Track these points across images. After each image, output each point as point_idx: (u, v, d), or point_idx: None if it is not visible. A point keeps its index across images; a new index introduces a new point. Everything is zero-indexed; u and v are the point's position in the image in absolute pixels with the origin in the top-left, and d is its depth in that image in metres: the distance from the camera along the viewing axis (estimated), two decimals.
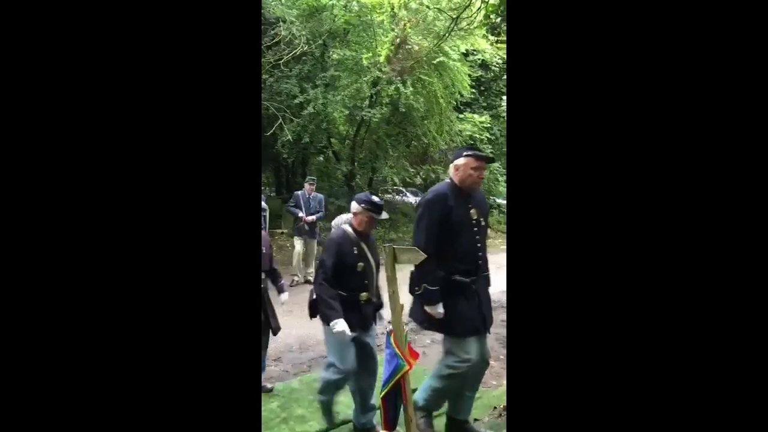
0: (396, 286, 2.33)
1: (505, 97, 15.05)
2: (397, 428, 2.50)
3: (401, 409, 2.43)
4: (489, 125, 14.77)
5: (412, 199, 15.20)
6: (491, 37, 11.55)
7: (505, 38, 8.08)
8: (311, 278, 6.63)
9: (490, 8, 6.80)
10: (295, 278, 7.36)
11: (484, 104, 15.48)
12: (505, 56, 14.28)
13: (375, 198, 2.90)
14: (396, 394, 2.38)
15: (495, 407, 3.14)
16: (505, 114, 14.98)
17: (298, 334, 4.93)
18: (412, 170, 14.32)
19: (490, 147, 16.06)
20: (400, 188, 14.96)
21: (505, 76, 15.50)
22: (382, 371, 2.45)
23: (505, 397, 3.23)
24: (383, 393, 2.39)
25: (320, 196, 7.54)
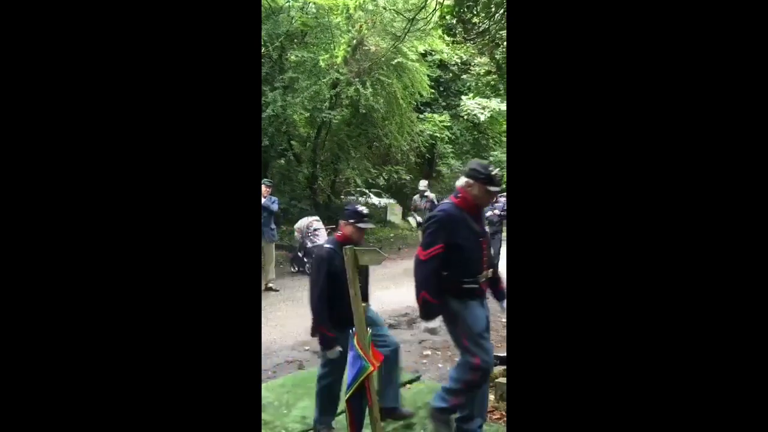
0: (357, 287, 2.33)
1: (464, 97, 15.27)
2: (363, 431, 2.49)
3: (366, 411, 2.42)
4: (449, 124, 14.95)
5: (375, 200, 15.20)
6: (447, 38, 11.69)
7: (460, 39, 8.17)
8: (272, 285, 6.53)
9: (445, 9, 6.90)
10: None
11: (444, 104, 15.65)
12: (462, 56, 14.49)
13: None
14: (361, 396, 2.37)
15: None
16: (464, 113, 15.20)
17: (263, 340, 4.86)
18: (375, 171, 14.35)
19: (450, 146, 16.26)
20: (364, 189, 14.96)
21: (463, 76, 15.73)
22: (346, 375, 2.44)
23: None
24: (348, 395, 2.38)
25: (274, 198, 7.47)
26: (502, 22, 7.93)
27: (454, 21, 7.43)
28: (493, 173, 2.56)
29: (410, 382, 3.66)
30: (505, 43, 8.59)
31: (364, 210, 2.96)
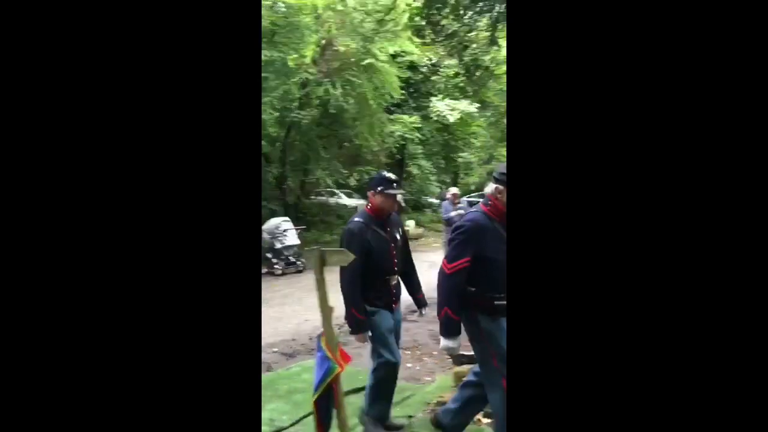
0: (325, 289, 2.32)
1: (434, 98, 15.39)
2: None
3: (333, 413, 2.41)
4: (419, 125, 15.04)
5: (346, 201, 15.16)
6: (416, 39, 11.77)
7: (429, 40, 8.25)
8: None
9: (414, 11, 6.95)
10: None
11: (414, 105, 15.75)
12: (432, 58, 14.61)
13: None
14: (328, 397, 2.36)
15: (428, 403, 3.19)
16: (434, 115, 15.31)
17: None
18: (345, 171, 14.33)
19: (421, 147, 16.36)
20: (334, 190, 14.91)
21: (433, 77, 15.86)
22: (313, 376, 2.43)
23: (435, 393, 3.30)
24: (316, 396, 2.37)
25: None
26: (470, 24, 8.03)
27: (423, 23, 7.49)
28: None
29: None
30: (473, 45, 8.71)
31: (392, 176, 2.67)
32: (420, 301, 2.91)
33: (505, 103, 15.08)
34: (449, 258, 2.33)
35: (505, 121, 18.21)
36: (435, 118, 15.54)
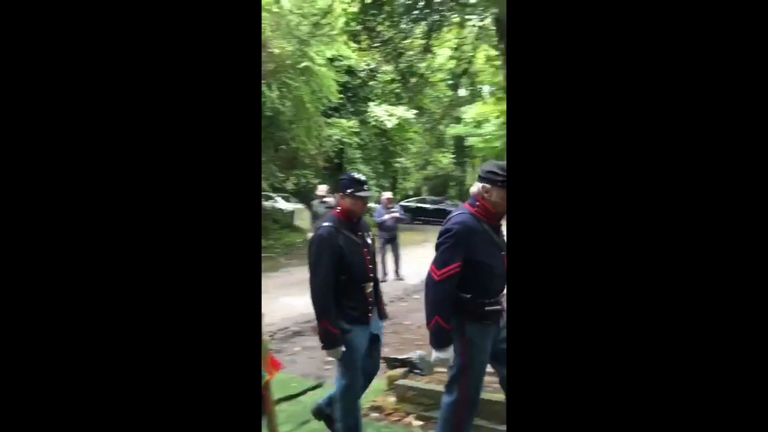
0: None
1: (371, 103, 15.49)
2: None
3: (264, 421, 2.36)
4: (357, 130, 15.09)
5: (282, 205, 14.91)
6: (353, 44, 11.81)
7: (365, 45, 8.30)
8: None
9: (350, 16, 6.97)
10: None
11: (352, 110, 15.78)
12: (369, 63, 14.70)
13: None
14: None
15: (362, 408, 3.19)
16: (371, 119, 15.41)
17: None
18: (282, 175, 14.10)
19: (359, 152, 16.41)
20: (270, 194, 14.63)
21: (371, 82, 15.96)
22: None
23: (369, 398, 3.31)
24: None
25: None
26: (405, 31, 8.16)
27: (360, 28, 7.53)
28: None
29: (313, 388, 3.62)
30: (408, 52, 8.85)
31: (362, 177, 2.50)
32: (381, 312, 2.68)
33: (439, 110, 15.45)
34: (438, 264, 2.15)
35: (441, 127, 18.66)
36: (373, 123, 15.65)
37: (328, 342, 2.34)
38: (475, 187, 2.24)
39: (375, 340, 2.59)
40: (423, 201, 18.67)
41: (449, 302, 2.14)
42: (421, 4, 7.35)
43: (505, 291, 2.19)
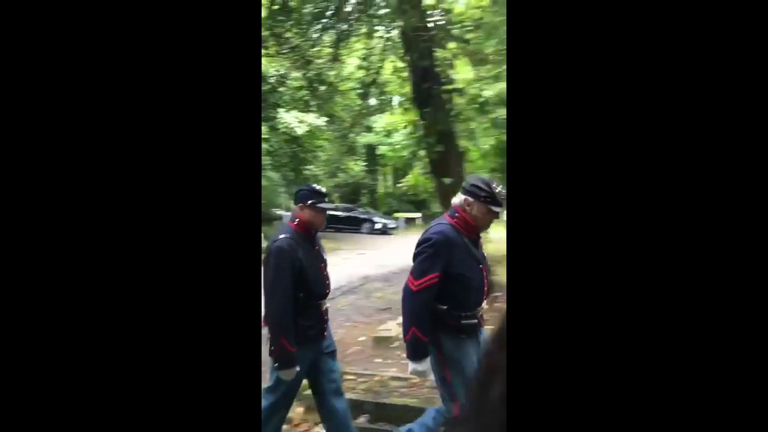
0: None
1: (281, 110, 15.27)
2: None
3: None
4: (267, 136, 14.79)
5: None
6: (262, 51, 11.59)
7: (273, 52, 8.18)
8: None
9: None
10: None
11: (261, 116, 15.46)
12: (278, 69, 14.49)
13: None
14: None
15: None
16: (281, 126, 15.19)
17: None
18: None
19: (269, 158, 16.09)
20: None
21: (281, 88, 15.74)
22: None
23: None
24: None
25: None
26: (313, 40, 8.16)
27: (267, 33, 7.42)
28: (496, 191, 2.14)
29: None
30: (317, 60, 8.85)
31: (323, 189, 2.40)
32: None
33: (350, 119, 15.59)
34: (416, 273, 2.12)
35: (352, 135, 18.80)
36: (283, 130, 15.44)
37: (285, 362, 2.23)
38: (457, 199, 2.25)
39: (332, 356, 2.51)
40: (335, 209, 18.71)
41: (427, 314, 2.11)
42: (329, 12, 7.40)
43: (483, 305, 2.22)
